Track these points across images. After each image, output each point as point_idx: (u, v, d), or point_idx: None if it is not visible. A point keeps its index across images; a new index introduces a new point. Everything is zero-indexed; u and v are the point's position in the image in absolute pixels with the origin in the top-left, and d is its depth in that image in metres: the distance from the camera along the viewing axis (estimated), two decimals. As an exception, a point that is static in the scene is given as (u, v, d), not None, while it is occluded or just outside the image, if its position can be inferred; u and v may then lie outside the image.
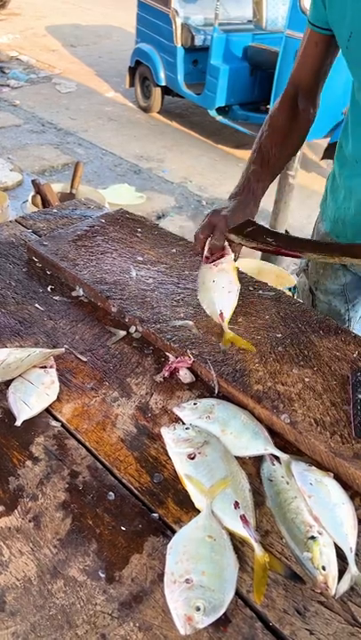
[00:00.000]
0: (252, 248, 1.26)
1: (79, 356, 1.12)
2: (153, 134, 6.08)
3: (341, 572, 0.77)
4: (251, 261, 3.14)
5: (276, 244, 1.19)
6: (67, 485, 0.87)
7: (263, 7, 5.46)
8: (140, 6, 6.28)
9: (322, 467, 0.92)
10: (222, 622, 0.71)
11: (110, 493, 0.86)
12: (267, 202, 3.63)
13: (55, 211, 1.64)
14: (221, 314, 1.16)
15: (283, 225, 3.35)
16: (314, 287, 1.52)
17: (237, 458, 0.92)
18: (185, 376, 1.09)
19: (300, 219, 4.48)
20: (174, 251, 1.44)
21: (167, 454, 0.92)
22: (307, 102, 1.32)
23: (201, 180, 5.15)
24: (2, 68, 7.42)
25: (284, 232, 3.36)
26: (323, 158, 5.16)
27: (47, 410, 1.00)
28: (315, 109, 1.35)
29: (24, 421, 0.95)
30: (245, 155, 5.58)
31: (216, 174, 5.27)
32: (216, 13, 5.21)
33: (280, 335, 1.18)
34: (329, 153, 5.05)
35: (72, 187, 3.45)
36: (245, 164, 1.32)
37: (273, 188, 3.24)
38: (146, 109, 6.57)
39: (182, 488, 0.87)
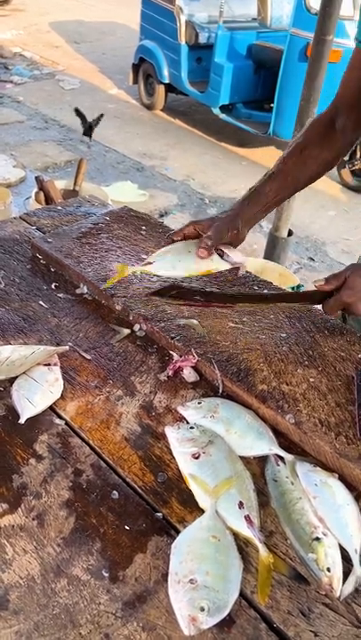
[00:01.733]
0: (180, 305, 1.22)
1: (83, 353, 1.12)
2: (156, 132, 6.08)
3: (346, 574, 0.77)
4: (254, 260, 3.14)
5: (205, 300, 1.18)
6: (70, 484, 0.87)
7: (268, 5, 5.45)
8: (145, 3, 6.27)
9: (327, 467, 0.92)
10: (226, 623, 0.71)
11: (114, 492, 0.86)
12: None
13: (59, 208, 1.64)
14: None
15: (286, 224, 3.34)
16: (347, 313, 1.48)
17: (242, 458, 0.91)
18: (189, 375, 1.08)
19: (303, 218, 4.48)
20: (179, 249, 1.43)
21: (171, 453, 0.91)
22: (347, 122, 1.22)
23: (204, 177, 5.15)
24: (5, 65, 7.42)
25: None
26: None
27: (51, 408, 0.99)
28: (358, 132, 1.24)
29: (28, 419, 0.95)
30: (249, 153, 5.58)
31: (219, 172, 5.26)
32: (221, 11, 5.20)
33: (285, 335, 1.17)
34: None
35: (75, 184, 3.44)
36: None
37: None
38: (149, 107, 6.57)
39: (186, 487, 0.86)
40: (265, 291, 1.31)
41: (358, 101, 1.20)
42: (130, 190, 4.52)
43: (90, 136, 4.89)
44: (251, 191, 1.21)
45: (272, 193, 1.21)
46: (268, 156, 5.35)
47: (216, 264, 1.15)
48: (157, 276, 1.19)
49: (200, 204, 4.71)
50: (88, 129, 4.84)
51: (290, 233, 3.41)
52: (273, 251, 3.45)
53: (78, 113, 4.82)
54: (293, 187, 1.25)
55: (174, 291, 1.18)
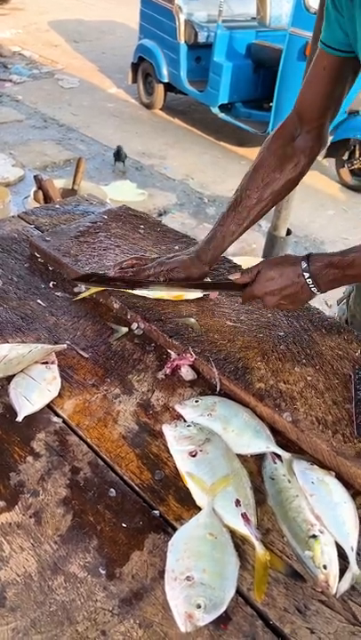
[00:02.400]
0: (102, 288, 1.25)
1: (81, 352, 1.12)
2: (155, 131, 6.07)
3: (342, 571, 0.77)
4: (252, 259, 3.14)
5: (128, 285, 1.21)
6: (68, 481, 0.87)
7: (267, 4, 5.45)
8: (144, 2, 6.26)
9: (323, 465, 0.92)
10: (223, 620, 0.71)
11: (111, 490, 0.86)
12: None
13: (58, 206, 1.64)
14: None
15: (285, 223, 3.34)
16: (350, 321, 1.45)
17: (239, 456, 0.92)
18: (187, 373, 1.08)
19: (302, 217, 4.48)
20: (177, 248, 1.44)
21: (168, 451, 0.92)
22: (308, 138, 1.14)
23: (203, 177, 5.14)
24: (4, 64, 7.41)
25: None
26: (325, 157, 5.16)
27: (48, 406, 1.00)
28: (320, 147, 1.16)
29: (25, 417, 0.95)
30: (248, 152, 5.58)
31: (218, 172, 5.26)
32: (220, 10, 5.19)
33: (282, 333, 1.17)
34: (331, 151, 5.04)
35: (74, 183, 3.44)
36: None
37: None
38: (148, 106, 6.56)
39: (183, 485, 0.86)
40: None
41: (320, 114, 1.13)
42: (129, 190, 4.52)
43: (122, 161, 4.96)
44: (213, 233, 1.20)
45: (234, 227, 1.18)
46: (268, 156, 5.32)
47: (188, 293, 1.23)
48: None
49: (199, 204, 4.71)
50: (117, 154, 4.90)
51: (288, 232, 3.41)
52: (272, 250, 3.45)
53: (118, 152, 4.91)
54: (254, 218, 1.18)
55: (94, 277, 1.23)
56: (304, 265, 1.01)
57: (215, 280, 1.29)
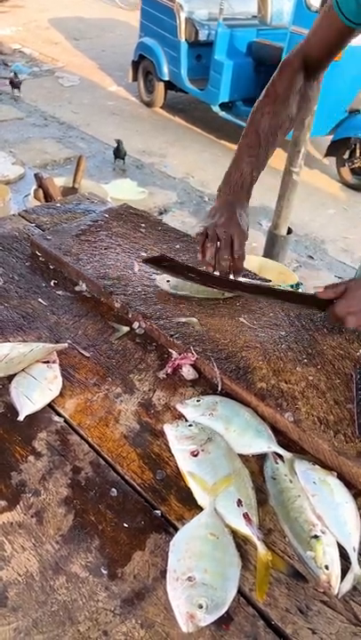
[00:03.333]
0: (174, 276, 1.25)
1: (82, 351, 1.12)
2: (155, 129, 6.06)
3: (344, 572, 0.77)
4: (253, 258, 3.14)
5: (200, 279, 1.20)
6: (69, 481, 0.87)
7: (268, 2, 5.44)
8: (145, 0, 6.24)
9: (325, 465, 0.92)
10: (224, 620, 0.71)
11: (113, 490, 0.86)
12: (269, 199, 3.63)
13: (59, 205, 1.63)
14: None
15: (285, 222, 3.33)
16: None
17: (240, 455, 0.92)
18: (188, 373, 1.08)
19: (303, 216, 4.47)
20: (178, 246, 1.44)
21: (170, 451, 0.91)
22: (312, 76, 1.28)
23: (203, 175, 5.13)
24: (4, 61, 7.39)
25: (286, 231, 3.35)
26: (326, 155, 5.15)
27: (50, 405, 0.99)
28: (318, 83, 1.33)
29: (27, 416, 0.95)
30: (248, 151, 5.58)
31: (218, 170, 5.22)
32: (221, 8, 5.18)
33: (284, 333, 1.17)
34: (332, 150, 5.04)
35: (74, 181, 3.44)
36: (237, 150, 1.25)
37: (276, 185, 3.23)
38: (149, 104, 6.55)
39: (185, 485, 0.86)
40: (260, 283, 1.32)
41: (325, 60, 1.25)
42: (129, 188, 4.51)
43: (122, 159, 4.97)
44: (238, 175, 1.21)
45: (252, 170, 1.22)
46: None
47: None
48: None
49: (199, 202, 4.70)
50: (117, 150, 4.92)
51: (289, 231, 3.40)
52: (272, 249, 3.45)
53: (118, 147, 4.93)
54: (267, 156, 1.25)
55: (166, 262, 1.20)
56: None
57: (295, 292, 1.25)
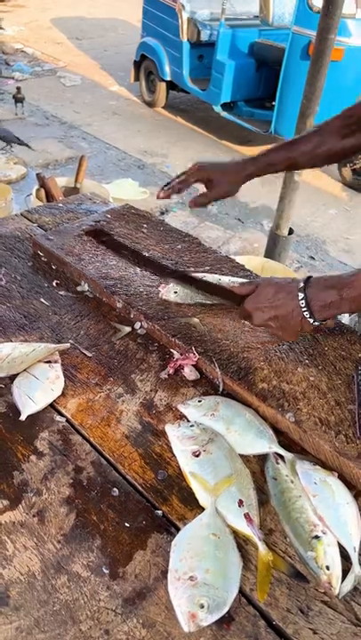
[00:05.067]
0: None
1: (84, 351, 1.12)
2: (157, 129, 6.07)
3: (345, 572, 0.77)
4: (254, 258, 3.14)
5: (136, 262, 1.24)
6: (71, 481, 0.87)
7: (270, 3, 5.44)
8: (147, 0, 6.24)
9: (326, 466, 0.92)
10: (226, 620, 0.71)
11: (114, 489, 0.86)
12: (271, 200, 3.63)
13: (61, 205, 1.64)
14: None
15: (287, 222, 3.34)
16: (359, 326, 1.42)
17: (242, 456, 0.92)
18: (190, 373, 1.09)
19: (304, 217, 4.48)
20: (180, 247, 1.44)
21: (171, 451, 0.92)
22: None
23: (205, 175, 5.13)
24: (6, 61, 7.40)
25: (288, 230, 3.35)
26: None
27: (52, 405, 1.00)
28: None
29: (28, 416, 0.95)
30: (250, 151, 5.56)
31: (220, 170, 5.25)
32: (223, 8, 5.18)
33: (285, 333, 1.17)
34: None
35: (76, 181, 3.44)
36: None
37: (278, 185, 3.23)
38: (150, 104, 6.55)
39: (186, 485, 0.87)
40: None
41: None
42: (131, 188, 4.51)
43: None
44: (257, 157, 1.26)
45: (279, 158, 1.26)
46: (270, 155, 5.32)
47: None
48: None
49: (201, 202, 4.70)
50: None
51: (290, 231, 3.40)
52: (274, 249, 3.45)
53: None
54: (299, 162, 1.27)
55: (105, 237, 1.29)
56: (301, 285, 0.95)
57: (222, 286, 1.26)
